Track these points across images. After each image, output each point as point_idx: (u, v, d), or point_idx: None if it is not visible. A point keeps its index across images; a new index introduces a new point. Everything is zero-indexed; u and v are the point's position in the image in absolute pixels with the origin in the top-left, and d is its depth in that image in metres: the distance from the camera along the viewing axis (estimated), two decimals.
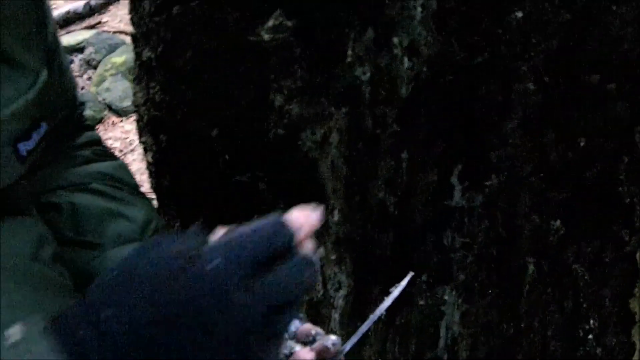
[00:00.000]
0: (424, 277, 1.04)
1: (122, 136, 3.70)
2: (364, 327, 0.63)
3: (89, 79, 4.15)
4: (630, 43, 0.96)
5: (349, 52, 0.97)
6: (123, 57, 4.03)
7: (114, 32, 4.43)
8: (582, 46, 0.96)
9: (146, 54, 1.18)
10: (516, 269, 1.01)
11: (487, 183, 0.99)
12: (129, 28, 1.22)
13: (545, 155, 0.98)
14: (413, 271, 0.65)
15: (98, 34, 4.39)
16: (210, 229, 0.52)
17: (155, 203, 1.15)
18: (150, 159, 1.20)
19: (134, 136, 3.40)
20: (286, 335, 0.64)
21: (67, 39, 4.23)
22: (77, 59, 4.26)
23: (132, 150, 3.50)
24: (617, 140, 1.00)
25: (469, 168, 0.99)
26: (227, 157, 1.03)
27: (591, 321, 1.03)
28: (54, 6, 4.19)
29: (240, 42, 1.04)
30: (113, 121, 3.84)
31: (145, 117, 1.19)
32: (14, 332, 0.50)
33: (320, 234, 0.80)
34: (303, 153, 1.01)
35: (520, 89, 0.97)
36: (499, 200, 1.00)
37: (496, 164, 0.98)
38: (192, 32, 1.10)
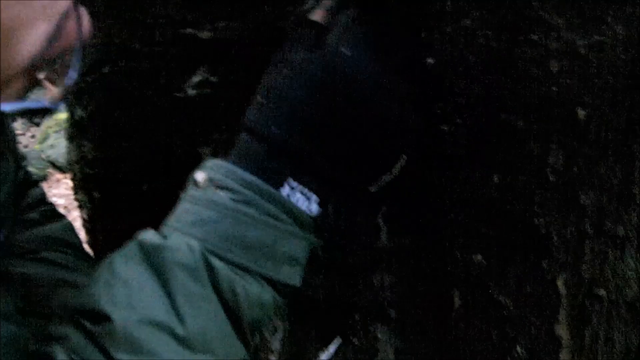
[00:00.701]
0: (357, 317, 1.07)
1: (66, 192, 3.66)
2: None
3: (33, 136, 4.11)
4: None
5: None
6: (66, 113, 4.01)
7: None
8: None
9: (78, 113, 1.20)
10: (444, 303, 1.05)
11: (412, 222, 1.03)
12: None
13: (465, 191, 1.03)
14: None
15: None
16: None
17: None
18: (85, 216, 1.21)
19: None
20: None
21: None
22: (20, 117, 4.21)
23: (76, 207, 3.46)
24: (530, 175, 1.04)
25: (393, 209, 1.04)
26: (157, 211, 1.04)
27: (518, 348, 1.07)
28: None
29: (170, 97, 1.08)
30: (57, 178, 3.81)
31: (79, 175, 1.21)
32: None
33: None
34: None
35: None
36: (424, 239, 1.04)
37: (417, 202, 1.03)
38: (123, 90, 1.12)
